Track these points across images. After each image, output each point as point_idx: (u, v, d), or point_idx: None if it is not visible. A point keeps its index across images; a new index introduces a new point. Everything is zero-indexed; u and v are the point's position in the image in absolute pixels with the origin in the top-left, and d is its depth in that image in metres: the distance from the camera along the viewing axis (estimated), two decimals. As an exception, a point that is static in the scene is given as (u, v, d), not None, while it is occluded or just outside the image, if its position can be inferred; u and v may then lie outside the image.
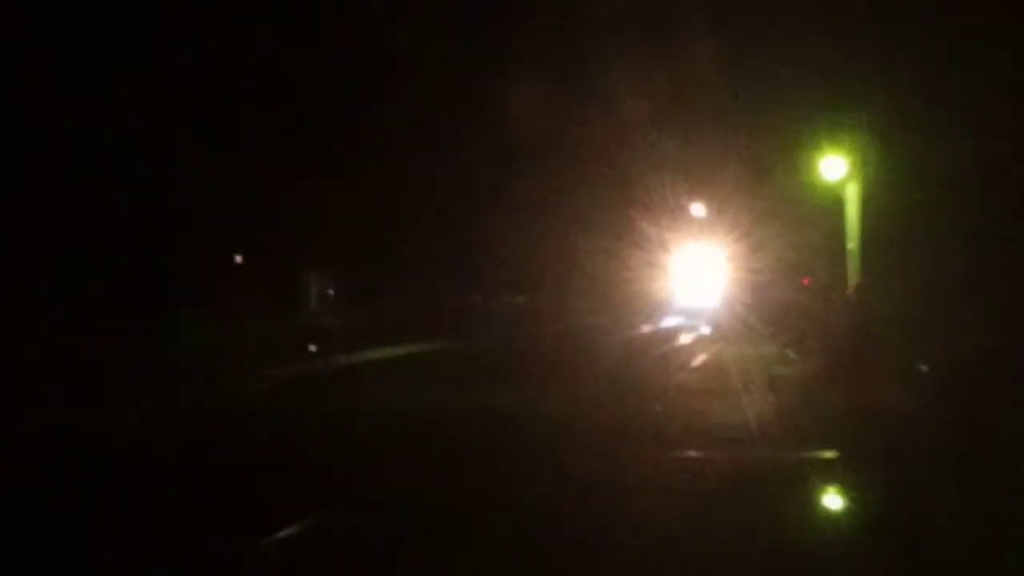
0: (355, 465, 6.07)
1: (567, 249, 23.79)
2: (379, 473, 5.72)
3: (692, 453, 7.20)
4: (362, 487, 5.42)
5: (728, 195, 19.28)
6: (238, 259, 17.06)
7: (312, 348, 13.08)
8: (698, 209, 24.22)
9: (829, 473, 6.15)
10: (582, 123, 21.83)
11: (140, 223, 13.96)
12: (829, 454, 6.60)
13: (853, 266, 11.40)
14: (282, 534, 4.44)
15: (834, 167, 11.82)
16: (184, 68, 14.27)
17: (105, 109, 13.21)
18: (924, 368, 9.53)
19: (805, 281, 11.79)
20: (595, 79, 21.27)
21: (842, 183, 11.82)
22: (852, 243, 11.44)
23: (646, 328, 20.92)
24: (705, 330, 19.09)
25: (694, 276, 23.32)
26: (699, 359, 13.60)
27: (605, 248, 22.87)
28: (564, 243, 23.67)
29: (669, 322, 22.31)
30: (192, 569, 4.05)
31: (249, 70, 15.23)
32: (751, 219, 16.90)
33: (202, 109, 14.39)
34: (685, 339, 17.89)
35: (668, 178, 22.95)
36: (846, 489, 5.77)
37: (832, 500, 5.75)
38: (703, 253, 22.76)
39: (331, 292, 20.23)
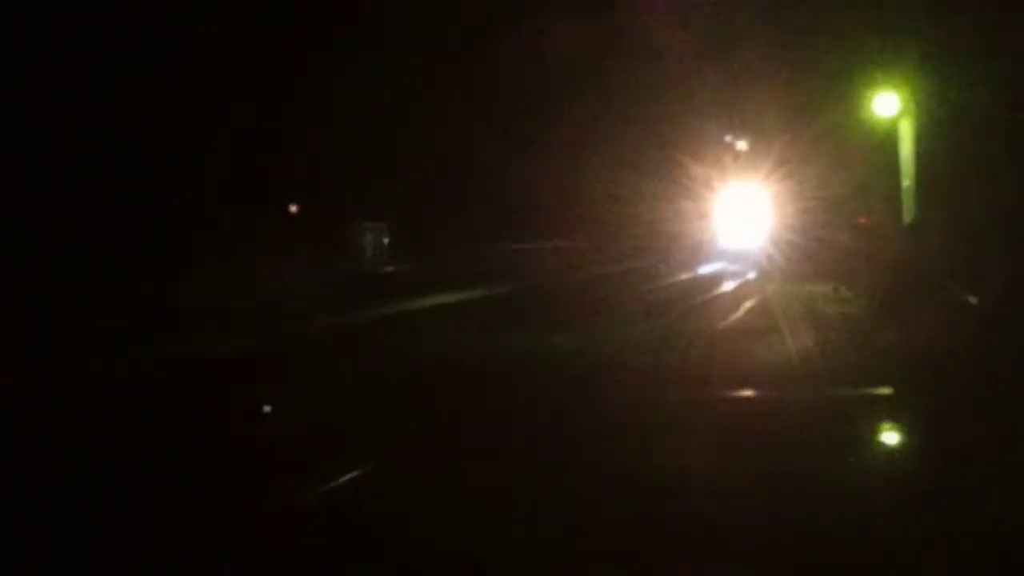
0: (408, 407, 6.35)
1: (610, 192, 23.57)
2: (428, 415, 5.99)
3: (746, 393, 7.31)
4: (415, 427, 5.67)
5: (775, 132, 18.85)
6: (293, 208, 17.39)
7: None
8: (743, 146, 23.64)
9: (885, 409, 6.25)
10: (621, 59, 21.42)
11: (195, 171, 14.23)
12: (884, 390, 6.67)
13: (908, 204, 11.28)
14: (341, 480, 4.69)
15: (887, 103, 11.61)
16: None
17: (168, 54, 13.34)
18: (973, 300, 9.49)
19: (860, 220, 11.69)
20: (632, 13, 20.79)
21: (895, 119, 11.62)
22: (908, 180, 11.31)
23: (690, 272, 20.80)
24: (752, 274, 18.89)
25: (740, 216, 22.87)
26: (748, 303, 13.57)
27: (647, 190, 22.62)
28: (606, 186, 23.45)
29: (713, 266, 22.13)
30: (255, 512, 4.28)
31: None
32: (800, 156, 16.60)
33: (258, 56, 14.50)
34: (730, 284, 17.80)
35: (711, 114, 22.47)
36: (902, 425, 5.87)
37: (888, 436, 5.86)
38: (750, 192, 22.32)
39: (386, 241, 20.58)
